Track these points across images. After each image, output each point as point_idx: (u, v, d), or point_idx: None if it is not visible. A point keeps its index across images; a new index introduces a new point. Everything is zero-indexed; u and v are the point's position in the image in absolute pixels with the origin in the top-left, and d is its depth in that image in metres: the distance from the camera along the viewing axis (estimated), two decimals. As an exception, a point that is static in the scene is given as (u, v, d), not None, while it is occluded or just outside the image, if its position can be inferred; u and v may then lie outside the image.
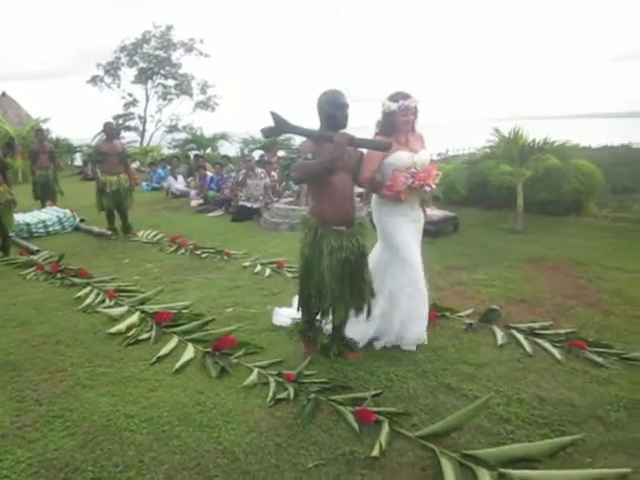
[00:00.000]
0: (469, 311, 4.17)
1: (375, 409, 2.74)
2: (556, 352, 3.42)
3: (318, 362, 3.35)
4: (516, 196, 7.24)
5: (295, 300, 4.32)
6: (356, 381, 3.12)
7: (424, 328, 3.56)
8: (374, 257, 3.58)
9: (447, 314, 4.04)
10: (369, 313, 3.41)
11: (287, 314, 4.10)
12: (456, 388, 3.01)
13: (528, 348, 3.49)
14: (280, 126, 3.22)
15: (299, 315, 3.85)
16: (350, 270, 3.20)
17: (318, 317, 3.48)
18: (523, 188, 7.24)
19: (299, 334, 3.55)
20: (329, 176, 3.14)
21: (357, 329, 3.55)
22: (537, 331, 3.74)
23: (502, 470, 2.25)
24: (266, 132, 3.33)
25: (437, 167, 3.53)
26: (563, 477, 2.22)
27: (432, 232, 6.49)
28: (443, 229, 7.14)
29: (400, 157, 3.36)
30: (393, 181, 3.33)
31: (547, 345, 3.52)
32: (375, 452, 2.41)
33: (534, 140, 6.97)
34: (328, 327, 3.53)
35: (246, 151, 14.54)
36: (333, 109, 3.17)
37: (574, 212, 7.73)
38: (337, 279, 3.15)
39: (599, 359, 3.31)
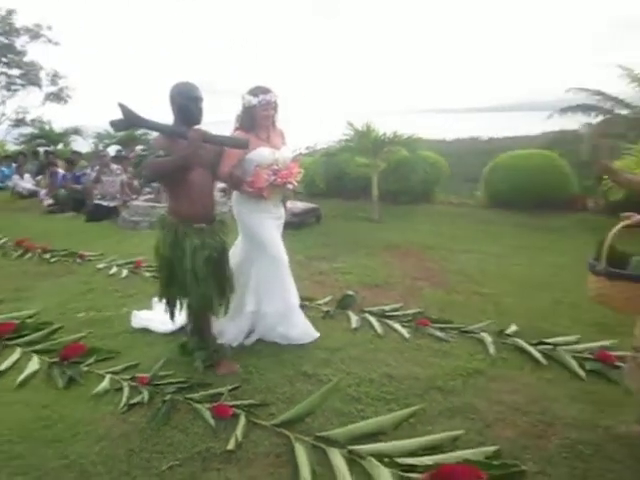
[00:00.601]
0: (327, 299, 4.32)
1: (232, 403, 2.75)
2: (404, 331, 3.67)
3: (175, 362, 3.28)
4: (372, 187, 7.63)
5: (155, 301, 4.19)
6: (215, 377, 3.10)
7: (305, 322, 3.62)
8: (236, 254, 3.57)
9: (306, 303, 4.14)
10: (227, 309, 3.40)
11: (146, 317, 3.96)
12: (312, 374, 3.10)
13: (379, 329, 3.71)
14: (129, 119, 3.07)
15: (159, 317, 3.73)
16: (213, 268, 3.16)
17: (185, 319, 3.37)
18: (378, 179, 7.65)
19: (203, 357, 3.23)
20: (185, 173, 3.04)
21: (230, 329, 3.53)
22: (388, 313, 3.99)
23: (351, 447, 2.37)
24: (116, 125, 3.16)
25: (299, 164, 3.57)
26: (406, 446, 2.38)
27: (295, 224, 6.63)
28: (306, 221, 7.32)
29: (261, 153, 3.35)
30: (255, 178, 3.30)
31: (396, 325, 3.77)
32: (231, 446, 2.42)
33: (384, 134, 7.40)
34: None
35: (101, 146, 13.73)
36: (186, 102, 3.08)
37: (424, 200, 8.33)
38: (202, 277, 3.08)
39: (441, 334, 3.61)
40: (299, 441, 2.45)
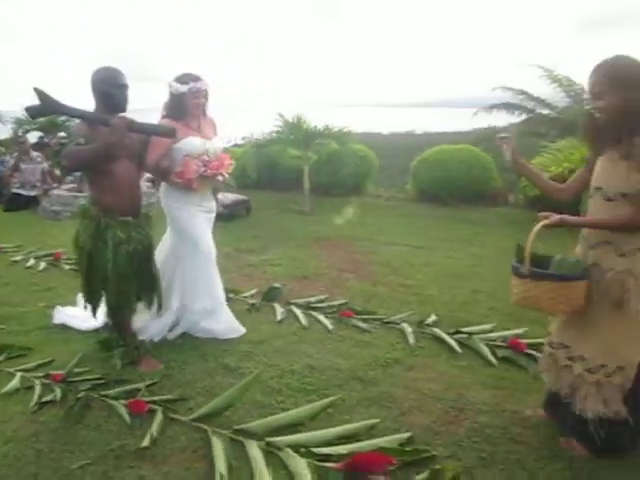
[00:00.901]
0: (253, 291, 4.31)
1: (149, 399, 2.69)
2: (328, 323, 3.72)
3: (93, 359, 3.17)
4: (303, 179, 7.66)
5: (79, 297, 4.03)
6: (133, 373, 3.03)
7: (231, 317, 3.58)
8: (164, 249, 3.48)
9: (231, 296, 4.11)
10: (160, 306, 3.32)
11: (70, 313, 3.78)
12: (234, 367, 3.09)
13: (304, 321, 3.74)
14: (47, 105, 2.90)
15: (81, 314, 3.59)
16: (138, 262, 3.06)
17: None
18: (310, 171, 7.68)
19: (121, 354, 3.12)
20: (109, 163, 2.91)
21: (154, 325, 3.45)
22: (313, 305, 4.04)
23: (269, 439, 2.38)
24: (32, 111, 2.98)
25: (230, 155, 3.51)
26: (323, 436, 2.41)
27: (225, 216, 6.55)
28: (236, 212, 7.26)
29: (192, 143, 3.25)
30: (184, 168, 3.20)
31: (321, 317, 3.81)
32: (146, 442, 2.36)
33: (315, 126, 7.44)
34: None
35: (20, 132, 13.01)
36: (108, 88, 2.94)
37: (355, 193, 8.45)
38: (122, 273, 2.98)
39: (364, 325, 3.68)
40: (216, 435, 2.43)
